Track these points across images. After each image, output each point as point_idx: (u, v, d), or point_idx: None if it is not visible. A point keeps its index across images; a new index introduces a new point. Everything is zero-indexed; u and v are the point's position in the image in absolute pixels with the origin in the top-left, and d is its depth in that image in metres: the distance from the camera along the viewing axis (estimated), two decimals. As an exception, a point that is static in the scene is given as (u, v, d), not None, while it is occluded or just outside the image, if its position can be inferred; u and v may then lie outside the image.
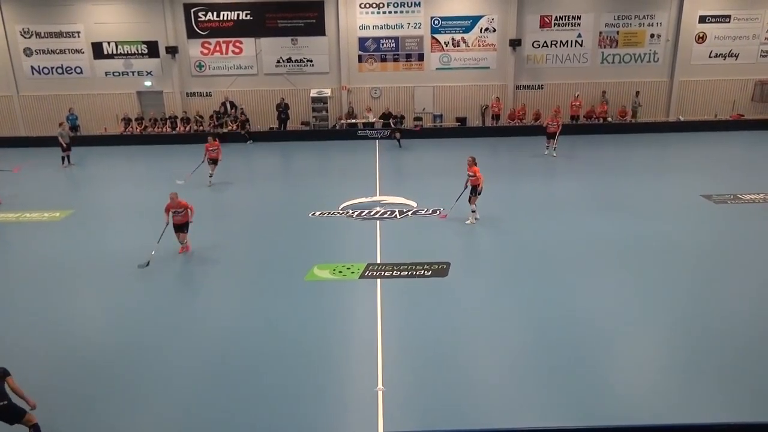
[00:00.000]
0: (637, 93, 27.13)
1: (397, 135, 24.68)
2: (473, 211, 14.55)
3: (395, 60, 27.11)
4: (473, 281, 11.44)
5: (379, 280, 11.45)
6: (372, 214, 15.60)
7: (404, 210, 15.80)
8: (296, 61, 26.98)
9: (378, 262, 12.38)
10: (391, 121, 25.74)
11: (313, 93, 26.96)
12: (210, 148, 18.84)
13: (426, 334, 9.38)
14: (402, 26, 26.66)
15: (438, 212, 15.34)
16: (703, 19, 26.81)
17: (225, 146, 20.20)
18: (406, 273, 11.74)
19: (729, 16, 26.79)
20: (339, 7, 26.07)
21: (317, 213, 15.68)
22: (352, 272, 11.81)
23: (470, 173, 14.41)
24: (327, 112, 27.18)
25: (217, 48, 26.75)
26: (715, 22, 26.87)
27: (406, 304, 10.50)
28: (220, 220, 15.61)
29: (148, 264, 12.00)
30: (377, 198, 17.01)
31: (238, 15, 26.30)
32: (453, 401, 7.66)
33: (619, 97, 27.23)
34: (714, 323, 9.58)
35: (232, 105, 27.02)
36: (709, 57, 27.31)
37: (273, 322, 9.81)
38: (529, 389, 7.93)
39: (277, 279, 11.65)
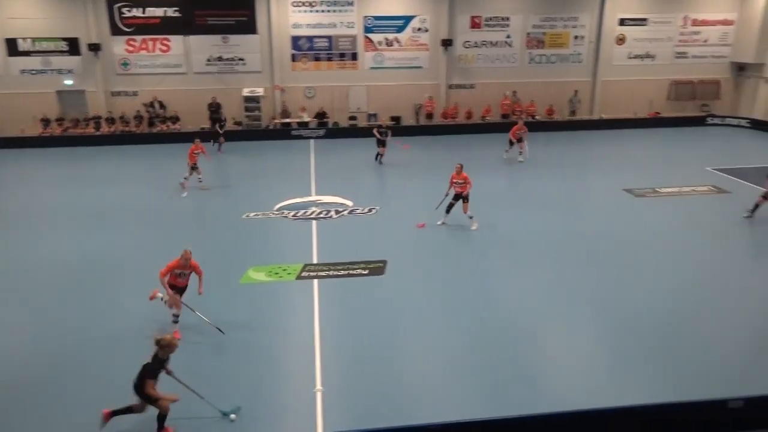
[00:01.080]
0: (576, 92, 28.24)
1: (382, 151, 20.97)
2: (471, 217, 14.11)
3: (329, 59, 27.02)
4: (409, 279, 11.59)
5: (316, 280, 11.42)
6: (308, 214, 15.51)
7: (340, 209, 15.80)
8: (227, 59, 26.41)
9: (314, 262, 12.34)
10: (377, 131, 21.07)
11: (246, 92, 26.47)
12: (195, 152, 17.93)
13: (364, 333, 9.44)
14: (335, 25, 26.59)
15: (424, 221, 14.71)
16: (622, 22, 28.15)
17: (163, 147, 19.46)
18: (343, 272, 11.76)
19: (646, 19, 28.26)
20: (271, 5, 25.70)
21: (251, 214, 15.44)
22: (289, 273, 11.72)
23: (459, 180, 13.90)
24: (260, 111, 26.76)
25: (144, 46, 25.80)
26: (633, 25, 28.28)
27: (343, 303, 10.53)
28: (149, 224, 15.05)
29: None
30: (313, 198, 16.92)
31: (165, 12, 25.44)
32: (391, 399, 7.76)
33: (547, 96, 28.15)
34: (636, 309, 10.13)
35: (161, 105, 26.16)
36: (629, 58, 28.71)
37: (209, 328, 9.59)
38: (465, 383, 8.14)
39: (212, 283, 11.30)
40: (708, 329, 9.64)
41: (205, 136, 22.92)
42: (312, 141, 25.39)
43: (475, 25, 27.33)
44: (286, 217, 15.33)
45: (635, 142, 24.87)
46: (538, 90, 28.09)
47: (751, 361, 8.72)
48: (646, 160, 21.74)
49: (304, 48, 26.67)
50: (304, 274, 11.74)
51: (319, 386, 8.01)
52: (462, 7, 26.98)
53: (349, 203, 16.30)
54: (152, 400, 6.85)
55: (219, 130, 23.99)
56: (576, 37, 28.10)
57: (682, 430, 7.05)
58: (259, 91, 26.54)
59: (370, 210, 15.72)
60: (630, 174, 19.04)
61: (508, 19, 27.41)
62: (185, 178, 17.90)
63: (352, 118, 27.45)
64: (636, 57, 28.75)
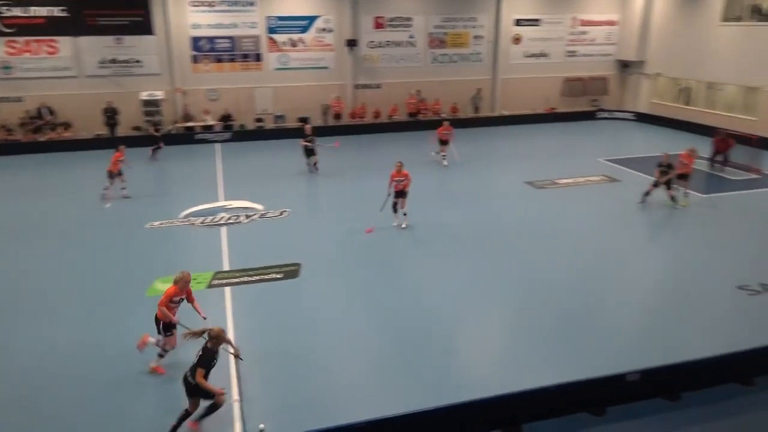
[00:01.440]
0: (479, 90, 29.20)
1: (315, 159, 19.55)
2: (405, 214, 14.19)
3: (232, 60, 26.36)
4: (325, 280, 11.56)
5: (228, 288, 11.14)
6: (216, 220, 15.07)
7: (250, 214, 15.48)
8: (122, 61, 25.08)
9: (226, 269, 12.02)
10: (304, 143, 19.50)
11: (144, 96, 25.28)
12: (118, 159, 16.87)
13: (281, 339, 9.32)
14: (237, 25, 25.97)
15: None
16: (517, 22, 29.51)
17: (53, 156, 18.01)
18: (256, 278, 11.55)
19: (539, 20, 29.79)
20: (167, 5, 24.68)
21: (156, 223, 14.78)
22: (199, 282, 11.32)
23: (400, 177, 13.87)
24: (161, 115, 25.64)
25: (27, 48, 23.98)
26: (527, 25, 29.72)
27: (258, 309, 10.34)
28: (45, 238, 14.04)
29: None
30: (221, 203, 16.46)
31: (51, 11, 23.75)
32: (312, 402, 7.73)
33: (451, 94, 28.94)
34: (542, 294, 10.67)
35: (51, 111, 24.44)
36: (525, 57, 30.14)
37: (117, 344, 9.10)
38: (386, 380, 8.25)
39: (116, 297, 10.82)
40: (609, 309, 10.34)
41: (134, 142, 21.80)
42: (218, 145, 24.66)
43: (378, 25, 27.64)
44: (193, 224, 14.81)
45: (534, 137, 26.10)
46: (442, 89, 28.84)
47: (647, 336, 9.42)
48: (544, 153, 22.90)
49: (205, 49, 25.85)
50: (215, 282, 11.41)
51: (236, 397, 7.82)
52: (365, 8, 27.20)
53: (260, 207, 16.00)
54: (203, 391, 6.91)
55: (156, 134, 22.68)
56: (476, 37, 29.13)
57: (587, 406, 7.52)
58: (159, 94, 25.43)
59: (281, 213, 15.51)
60: (530, 167, 19.99)
61: (410, 19, 27.95)
62: (106, 188, 16.92)
63: (259, 120, 26.95)
64: (531, 56, 30.22)
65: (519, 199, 16.76)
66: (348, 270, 12.09)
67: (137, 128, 25.33)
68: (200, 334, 7.21)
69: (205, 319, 8.44)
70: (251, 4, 25.76)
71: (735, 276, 11.34)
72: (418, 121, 27.87)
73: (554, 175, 18.84)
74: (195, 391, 6.96)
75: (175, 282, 8.28)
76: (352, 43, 27.02)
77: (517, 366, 8.60)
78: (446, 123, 20.85)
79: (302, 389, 8.00)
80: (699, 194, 16.63)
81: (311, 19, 26.77)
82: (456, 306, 10.40)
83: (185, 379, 7.01)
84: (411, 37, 28.23)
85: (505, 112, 29.57)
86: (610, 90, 31.60)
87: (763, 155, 19.70)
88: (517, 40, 29.78)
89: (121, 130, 24.93)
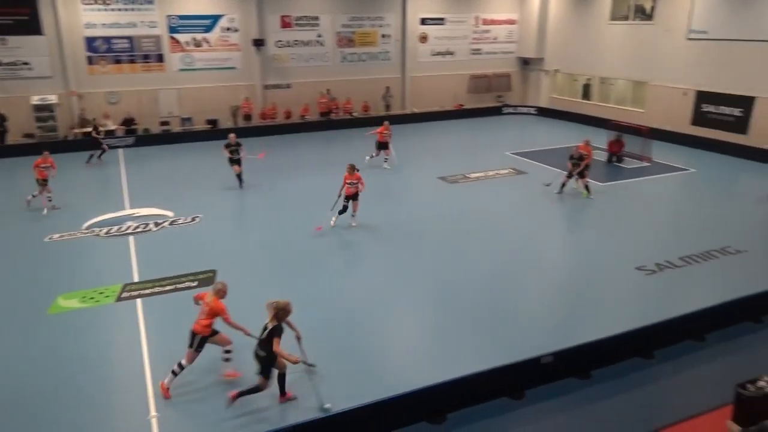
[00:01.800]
0: (388, 88, 29.46)
1: (237, 170, 17.46)
2: (353, 215, 14.14)
3: (132, 61, 25.10)
4: (242, 285, 11.24)
5: (139, 299, 10.63)
6: (123, 229, 14.33)
7: (160, 221, 14.84)
8: (8, 64, 23.22)
9: (136, 280, 11.46)
10: (227, 150, 17.43)
11: (36, 100, 23.56)
12: (42, 165, 15.61)
13: (198, 348, 8.98)
14: (135, 25, 24.76)
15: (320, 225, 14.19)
16: (423, 21, 30.12)
17: None
18: (170, 288, 11.10)
19: (443, 19, 30.55)
20: (57, 3, 23.10)
21: (56, 236, 13.84)
22: (107, 296, 10.75)
23: (353, 180, 13.69)
24: (55, 121, 24.00)
25: None
26: (433, 24, 30.40)
27: (172, 320, 9.91)
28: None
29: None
30: (127, 212, 15.66)
31: None
32: (232, 411, 7.50)
33: (362, 93, 29.08)
34: (460, 284, 10.97)
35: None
36: (432, 55, 30.82)
37: (17, 368, 8.44)
38: (308, 381, 8.15)
39: (14, 318, 10.02)
40: (523, 296, 10.81)
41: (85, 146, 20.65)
42: (120, 150, 23.41)
43: (285, 24, 27.29)
44: (97, 235, 13.99)
45: (444, 133, 26.76)
46: (352, 87, 28.92)
47: (558, 320, 9.91)
48: (454, 149, 23.54)
49: (101, 50, 24.45)
50: (124, 294, 10.85)
51: (153, 412, 7.50)
52: (271, 7, 26.76)
53: (170, 214, 15.37)
54: (272, 364, 7.34)
55: (97, 136, 21.38)
56: (383, 36, 29.44)
57: (507, 391, 7.82)
58: (52, 98, 23.77)
59: (193, 219, 14.98)
60: (442, 163, 20.48)
61: (317, 18, 27.81)
62: (33, 196, 15.78)
63: (165, 123, 25.86)
64: (438, 54, 30.94)
65: (433, 195, 17.13)
66: (266, 272, 11.89)
67: (29, 135, 23.58)
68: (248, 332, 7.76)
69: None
70: (150, 2, 24.64)
71: (634, 258, 12.18)
72: (330, 120, 27.81)
73: (465, 170, 19.41)
74: (267, 362, 7.32)
75: (218, 294, 7.98)
76: (259, 43, 26.51)
77: (438, 358, 8.79)
78: (386, 123, 20.07)
79: (215, 400, 7.74)
80: (598, 183, 17.69)
81: (215, 18, 25.99)
82: (376, 303, 10.47)
83: (256, 355, 7.39)
84: (319, 36, 28.09)
85: (416, 110, 30.11)
86: (513, 86, 32.96)
87: (652, 144, 21.24)
88: (423, 38, 30.38)
89: (12, 138, 23.16)
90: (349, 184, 13.74)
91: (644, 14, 26.05)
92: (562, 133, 26.05)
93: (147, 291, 10.95)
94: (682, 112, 24.12)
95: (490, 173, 19.22)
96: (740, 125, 21.97)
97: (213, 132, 25.81)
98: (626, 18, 26.85)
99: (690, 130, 23.65)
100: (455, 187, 17.89)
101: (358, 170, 13.93)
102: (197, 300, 8.19)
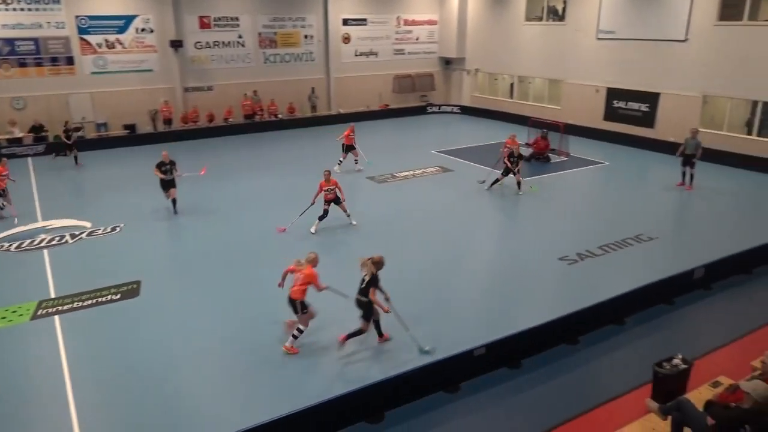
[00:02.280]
0: (313, 89, 29.24)
1: (172, 193, 15.30)
2: (349, 215, 14.27)
3: (38, 64, 23.66)
4: (168, 294, 10.92)
5: (57, 316, 10.05)
6: (36, 243, 13.50)
7: (77, 233, 14.08)
8: None
9: (52, 296, 10.82)
10: (158, 171, 15.03)
11: (-71, 107, 21.80)
12: (1, 174, 14.89)
13: (122, 364, 8.63)
14: (41, 26, 23.34)
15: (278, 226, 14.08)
16: (345, 22, 30.14)
17: None
18: (90, 302, 10.56)
19: (365, 20, 30.70)
20: (-51, 2, 21.50)
21: (-41, 253, 12.86)
22: (20, 315, 10.10)
23: (330, 186, 13.68)
24: (-47, 129, 22.30)
25: None
26: (355, 25, 30.48)
27: (94, 336, 9.47)
28: None
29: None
30: (40, 224, 14.76)
31: None
32: (162, 426, 7.25)
33: (287, 94, 28.75)
34: (395, 280, 11.03)
35: None
36: (355, 55, 30.91)
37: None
38: (242, 389, 8.01)
39: None
40: (455, 291, 11.01)
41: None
42: (29, 159, 22.03)
43: (204, 25, 26.56)
44: (7, 250, 13.11)
45: (370, 133, 26.82)
46: (277, 89, 28.54)
47: (488, 312, 10.19)
48: (381, 149, 23.65)
49: (3, 52, 22.89)
50: (40, 312, 10.22)
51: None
52: (188, 7, 25.95)
53: (87, 225, 14.61)
54: (371, 309, 8.57)
55: (68, 141, 20.64)
56: (306, 37, 29.23)
57: (442, 385, 7.96)
58: (-52, 105, 22.08)
59: (113, 229, 14.31)
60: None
61: (237, 19, 27.23)
62: (2, 207, 15.10)
63: (78, 129, 24.53)
64: (362, 54, 31.06)
65: (363, 196, 17.16)
66: (190, 281, 11.53)
67: (-77, 145, 21.78)
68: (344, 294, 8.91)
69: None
70: (56, 2, 23.30)
71: (557, 249, 12.71)
72: (255, 123, 27.32)
73: (393, 169, 19.59)
74: (368, 309, 8.53)
75: (312, 262, 8.90)
76: (176, 44, 25.65)
77: (374, 357, 8.83)
78: (352, 125, 20.17)
79: (145, 414, 7.49)
80: (522, 178, 18.30)
81: (128, 19, 24.92)
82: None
83: (358, 302, 8.59)
84: (240, 37, 27.53)
85: (342, 110, 30.09)
86: (436, 86, 33.59)
87: (569, 139, 22.23)
88: (346, 39, 30.40)
89: None
90: (327, 191, 13.77)
91: (557, 15, 27.23)
92: (484, 130, 26.81)
93: (65, 307, 10.37)
94: (595, 108, 25.40)
95: (418, 172, 19.50)
96: (647, 119, 23.38)
97: (131, 138, 24.81)
98: (540, 19, 27.95)
99: (603, 125, 24.95)
100: (384, 186, 18.02)
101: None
102: (288, 273, 9.07)
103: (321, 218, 13.91)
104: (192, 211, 15.69)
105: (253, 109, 27.57)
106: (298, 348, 8.82)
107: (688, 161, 16.97)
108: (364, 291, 8.54)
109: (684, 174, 17.26)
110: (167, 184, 15.20)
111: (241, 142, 24.93)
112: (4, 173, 15.37)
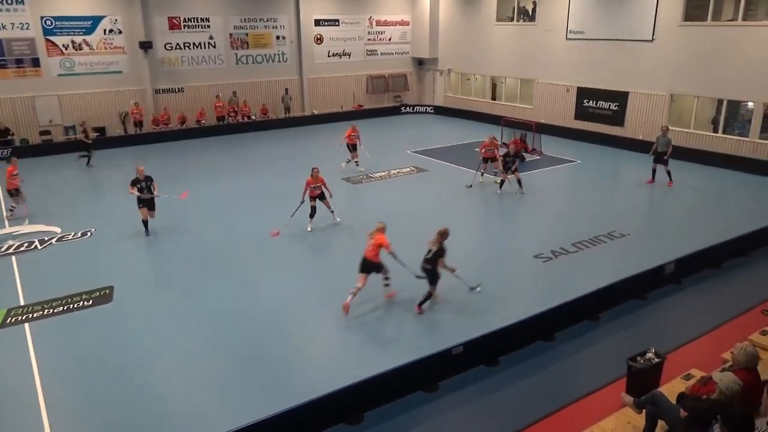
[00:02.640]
0: (287, 90, 29.10)
1: (150, 215, 14.12)
2: (333, 211, 14.39)
3: (2, 66, 23.06)
4: (142, 299, 10.75)
5: (27, 324, 9.83)
6: (3, 250, 13.17)
7: (46, 238, 13.77)
8: None
9: (22, 304, 10.57)
10: (133, 189, 13.68)
11: None
12: (14, 173, 14.58)
13: (95, 372, 8.47)
14: (4, 27, 22.75)
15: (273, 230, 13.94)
16: (318, 23, 30.03)
17: None
18: (61, 309, 10.34)
19: (338, 20, 30.62)
20: None
21: None
22: (-12, 324, 9.82)
23: (317, 184, 13.81)
24: None
25: None
26: (327, 26, 30.39)
27: (66, 343, 9.28)
28: None
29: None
30: (7, 230, 14.42)
31: None
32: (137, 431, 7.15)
33: (260, 96, 28.56)
34: (379, 279, 11.04)
35: None
36: (328, 56, 30.82)
37: None
38: (215, 396, 7.92)
39: None
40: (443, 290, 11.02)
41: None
42: (-6, 164, 21.47)
43: (174, 26, 26.19)
44: (-27, 257, 12.77)
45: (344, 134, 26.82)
46: (249, 90, 28.34)
47: (466, 310, 10.25)
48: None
49: (-35, 54, 22.30)
50: (9, 320, 9.97)
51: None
52: (157, 8, 25.56)
53: (57, 230, 14.30)
54: (438, 277, 9.82)
55: (87, 140, 20.95)
56: (278, 38, 29.03)
57: (421, 385, 7.99)
58: None
59: (84, 234, 14.03)
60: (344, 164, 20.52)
61: (208, 20, 26.93)
62: (12, 208, 14.91)
63: (45, 132, 23.99)
64: (335, 55, 30.99)
65: (339, 196, 17.07)
66: (165, 285, 11.38)
67: None
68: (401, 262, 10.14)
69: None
70: (20, 2, 22.73)
71: (532, 247, 12.84)
72: (228, 125, 27.05)
73: (368, 170, 19.58)
74: (433, 274, 9.73)
75: (382, 230, 10.18)
76: (146, 46, 25.25)
77: (352, 358, 8.82)
78: (354, 125, 20.02)
79: (122, 421, 7.36)
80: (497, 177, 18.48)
81: (96, 20, 24.45)
82: (290, 310, 10.32)
83: (424, 269, 9.82)
84: (211, 38, 27.21)
85: (316, 111, 29.98)
86: (410, 86, 33.68)
87: (541, 138, 22.50)
88: (318, 40, 30.29)
89: None
90: (314, 187, 13.83)
91: (527, 16, 27.53)
92: (458, 130, 26.98)
93: (36, 314, 10.13)
94: (566, 107, 25.76)
95: (393, 172, 19.52)
96: (617, 118, 23.80)
97: (100, 141, 24.33)
98: (511, 19, 28.23)
99: (574, 124, 25.33)
100: (360, 187, 18.00)
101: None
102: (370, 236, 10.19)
103: (311, 216, 14.05)
104: (166, 214, 15.44)
105: (227, 111, 27.27)
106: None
107: (659, 159, 17.32)
108: (430, 260, 9.68)
109: (654, 171, 17.61)
110: (144, 203, 13.75)
111: (214, 144, 24.68)
112: (15, 172, 14.99)
